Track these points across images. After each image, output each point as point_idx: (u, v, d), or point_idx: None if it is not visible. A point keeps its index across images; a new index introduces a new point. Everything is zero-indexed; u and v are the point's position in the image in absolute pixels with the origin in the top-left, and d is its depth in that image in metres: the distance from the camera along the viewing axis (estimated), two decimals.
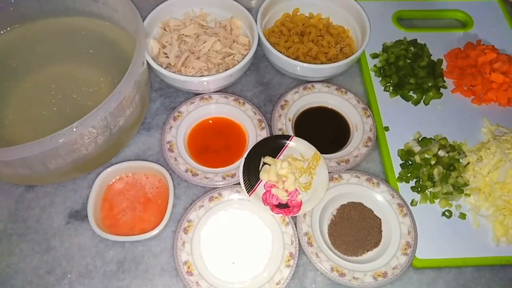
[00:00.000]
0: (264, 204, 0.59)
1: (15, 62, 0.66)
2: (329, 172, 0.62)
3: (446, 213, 0.61)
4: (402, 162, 0.66)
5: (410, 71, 0.72)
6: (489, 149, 0.63)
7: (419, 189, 0.63)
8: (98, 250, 0.58)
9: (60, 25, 0.69)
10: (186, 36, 0.73)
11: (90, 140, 0.54)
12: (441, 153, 0.64)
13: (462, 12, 0.84)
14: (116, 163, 0.61)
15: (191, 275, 0.55)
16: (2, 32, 0.67)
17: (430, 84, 0.72)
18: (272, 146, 0.64)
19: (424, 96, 0.72)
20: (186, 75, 0.67)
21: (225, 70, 0.66)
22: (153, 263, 0.58)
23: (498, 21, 0.83)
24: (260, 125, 0.67)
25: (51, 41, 0.69)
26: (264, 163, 0.62)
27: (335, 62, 0.67)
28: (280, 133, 0.66)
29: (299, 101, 0.70)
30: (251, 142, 0.65)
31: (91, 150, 0.56)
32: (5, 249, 0.58)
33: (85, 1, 0.66)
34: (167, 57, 0.71)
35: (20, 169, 0.53)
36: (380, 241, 0.59)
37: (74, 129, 0.49)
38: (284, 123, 0.67)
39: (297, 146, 0.64)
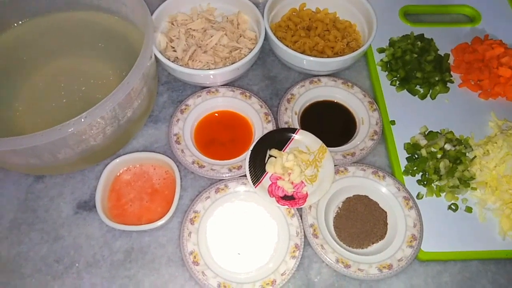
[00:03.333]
0: (270, 196, 0.59)
1: (25, 55, 0.67)
2: (335, 165, 0.62)
3: (452, 206, 0.61)
4: (408, 155, 0.65)
5: (416, 66, 0.72)
6: (496, 143, 0.63)
7: (425, 182, 0.63)
8: (106, 240, 0.59)
9: (70, 19, 0.70)
10: (194, 30, 0.73)
11: (99, 131, 0.55)
12: (448, 146, 0.64)
13: (470, 7, 0.84)
14: (124, 154, 0.61)
15: (197, 265, 0.56)
16: (13, 26, 0.68)
17: (437, 79, 0.71)
18: (278, 139, 0.64)
19: (430, 90, 0.72)
20: (193, 69, 0.68)
21: (232, 64, 0.66)
22: (159, 253, 0.58)
23: (505, 16, 0.83)
24: (267, 119, 0.67)
25: (61, 35, 0.69)
26: (270, 156, 0.63)
27: (342, 56, 0.68)
28: (286, 126, 0.66)
29: (306, 95, 0.70)
30: (257, 135, 0.66)
31: (99, 141, 0.56)
32: (15, 238, 0.59)
33: None
34: (175, 51, 0.71)
35: (30, 159, 0.54)
36: (385, 233, 0.60)
37: (83, 119, 0.49)
38: (291, 117, 0.67)
39: (303, 139, 0.64)
